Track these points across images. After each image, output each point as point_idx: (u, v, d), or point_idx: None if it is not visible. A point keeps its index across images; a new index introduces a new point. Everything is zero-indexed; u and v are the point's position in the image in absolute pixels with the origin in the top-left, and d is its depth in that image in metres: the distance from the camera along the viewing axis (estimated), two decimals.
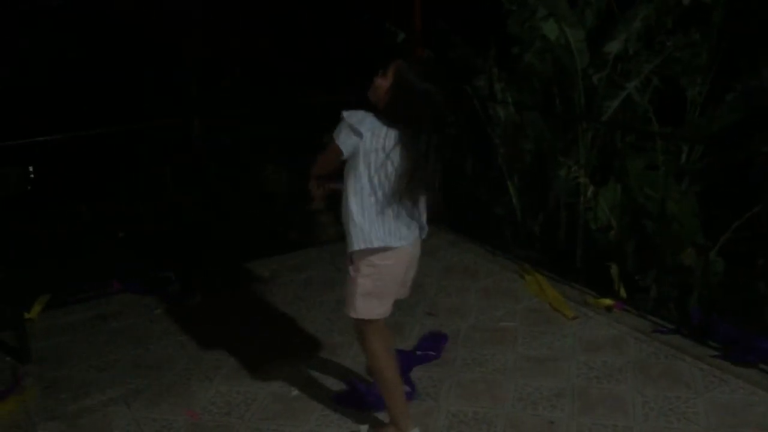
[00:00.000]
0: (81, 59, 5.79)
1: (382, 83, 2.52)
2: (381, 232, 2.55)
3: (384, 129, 2.49)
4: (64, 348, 3.79)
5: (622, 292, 4.15)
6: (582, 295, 4.11)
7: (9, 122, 5.07)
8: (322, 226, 5.16)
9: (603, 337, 3.66)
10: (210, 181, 5.16)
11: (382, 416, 3.01)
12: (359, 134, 2.47)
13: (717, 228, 3.90)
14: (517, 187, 4.96)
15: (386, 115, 2.50)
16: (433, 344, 3.59)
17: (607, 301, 3.95)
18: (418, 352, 3.53)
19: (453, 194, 5.40)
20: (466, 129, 5.19)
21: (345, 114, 2.49)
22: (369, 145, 2.48)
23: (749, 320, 3.55)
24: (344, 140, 2.49)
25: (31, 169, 5.74)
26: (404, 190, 2.51)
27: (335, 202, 2.71)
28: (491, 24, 4.93)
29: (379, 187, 2.52)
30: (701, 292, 3.78)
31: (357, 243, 2.56)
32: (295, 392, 3.29)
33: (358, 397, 3.15)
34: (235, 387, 3.36)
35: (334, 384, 3.32)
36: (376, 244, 2.56)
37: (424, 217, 2.70)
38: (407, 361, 3.36)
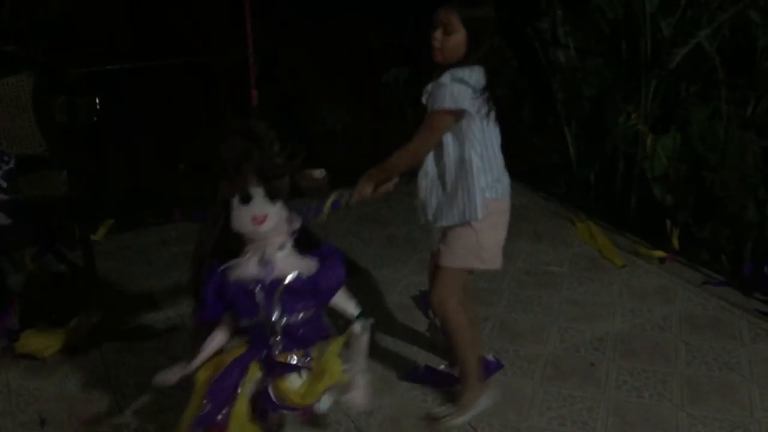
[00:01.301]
0: None
1: (455, 38, 2.37)
2: (506, 178, 2.57)
3: (477, 76, 2.39)
4: (126, 270, 4.00)
5: (676, 243, 4.10)
6: (634, 245, 4.09)
7: (78, 53, 5.21)
8: (374, 165, 5.20)
9: (651, 286, 3.65)
10: (271, 112, 5.24)
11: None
12: (469, 85, 2.36)
13: None
14: (575, 134, 4.90)
15: (473, 62, 2.39)
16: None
17: (659, 253, 3.93)
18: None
19: (508, 139, 5.38)
20: (524, 73, 5.11)
21: (450, 76, 2.36)
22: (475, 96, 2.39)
23: None
24: (460, 96, 2.35)
25: (97, 100, 5.92)
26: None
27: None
28: None
29: (488, 135, 2.48)
30: (755, 246, 3.71)
31: (492, 193, 2.49)
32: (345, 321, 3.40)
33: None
34: None
35: (385, 316, 3.42)
36: (508, 192, 2.58)
37: None
38: None
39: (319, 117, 5.80)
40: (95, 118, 5.94)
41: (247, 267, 2.06)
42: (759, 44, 4.20)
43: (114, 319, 3.47)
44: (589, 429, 2.63)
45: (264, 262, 2.05)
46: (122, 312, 3.54)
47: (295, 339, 2.09)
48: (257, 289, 2.03)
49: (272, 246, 2.06)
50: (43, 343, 3.19)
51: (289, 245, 2.11)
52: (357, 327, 2.14)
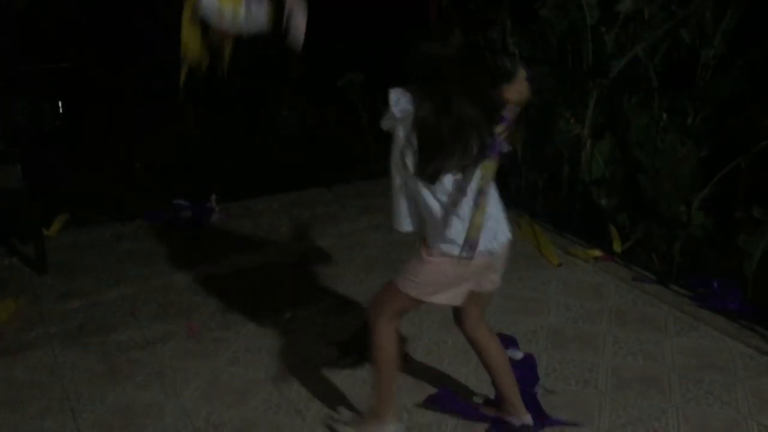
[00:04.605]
0: None
1: None
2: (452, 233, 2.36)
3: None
4: (78, 263, 4.06)
5: (616, 246, 4.27)
6: (572, 245, 4.26)
7: (40, 55, 5.26)
8: (330, 168, 5.32)
9: (586, 283, 3.81)
10: (230, 117, 5.35)
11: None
12: None
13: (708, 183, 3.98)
14: (522, 139, 5.06)
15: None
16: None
17: (595, 253, 4.09)
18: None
19: None
20: None
21: None
22: None
23: (730, 272, 3.66)
24: None
25: (60, 104, 5.98)
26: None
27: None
28: None
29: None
30: (683, 245, 3.89)
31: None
32: (289, 315, 3.51)
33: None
34: (235, 307, 3.58)
35: (329, 308, 3.54)
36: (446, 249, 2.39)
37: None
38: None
39: (277, 121, 5.93)
40: (58, 122, 6.00)
41: None
42: (700, 57, 4.41)
43: (63, 308, 3.55)
44: None
45: None
46: (72, 302, 3.61)
47: None
48: None
49: None
50: None
51: None
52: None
